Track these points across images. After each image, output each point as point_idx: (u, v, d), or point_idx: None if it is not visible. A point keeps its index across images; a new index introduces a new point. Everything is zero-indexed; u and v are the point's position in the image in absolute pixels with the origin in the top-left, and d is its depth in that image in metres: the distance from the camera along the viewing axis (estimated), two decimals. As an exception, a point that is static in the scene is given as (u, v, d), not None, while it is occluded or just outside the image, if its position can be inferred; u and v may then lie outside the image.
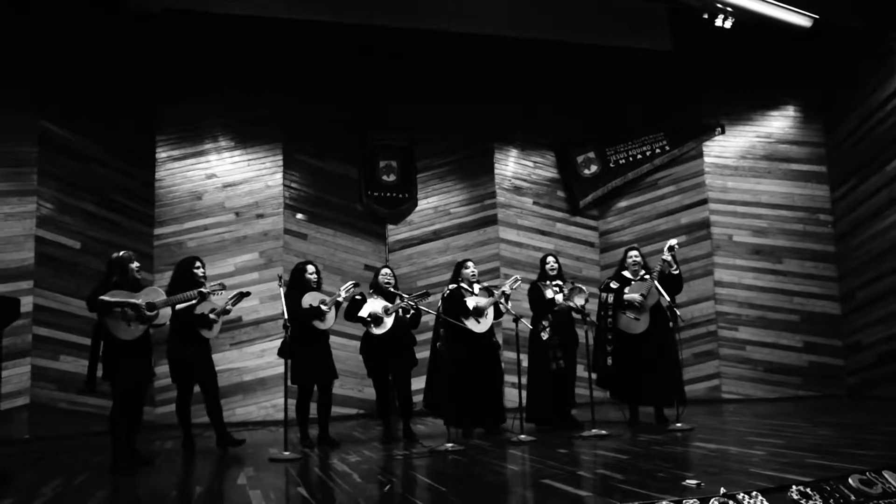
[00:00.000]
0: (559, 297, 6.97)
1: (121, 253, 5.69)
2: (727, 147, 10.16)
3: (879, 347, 8.98)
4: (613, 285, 7.11)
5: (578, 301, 6.96)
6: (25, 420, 7.77)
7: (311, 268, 6.71)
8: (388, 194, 10.61)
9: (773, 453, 4.62)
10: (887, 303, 8.88)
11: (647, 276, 6.88)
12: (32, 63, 8.38)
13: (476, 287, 6.94)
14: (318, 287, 6.66)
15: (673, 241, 6.93)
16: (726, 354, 9.62)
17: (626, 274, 7.11)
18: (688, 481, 3.60)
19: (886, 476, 3.72)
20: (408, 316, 6.67)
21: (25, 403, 7.79)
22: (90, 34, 8.98)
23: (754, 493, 3.34)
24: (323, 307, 6.41)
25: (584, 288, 7.06)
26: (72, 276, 8.34)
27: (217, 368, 6.41)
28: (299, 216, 9.92)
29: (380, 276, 6.83)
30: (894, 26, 8.84)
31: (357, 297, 6.67)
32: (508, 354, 6.99)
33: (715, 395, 9.49)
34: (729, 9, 8.65)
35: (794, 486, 3.46)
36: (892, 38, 8.86)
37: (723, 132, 10.16)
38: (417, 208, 10.70)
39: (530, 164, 10.84)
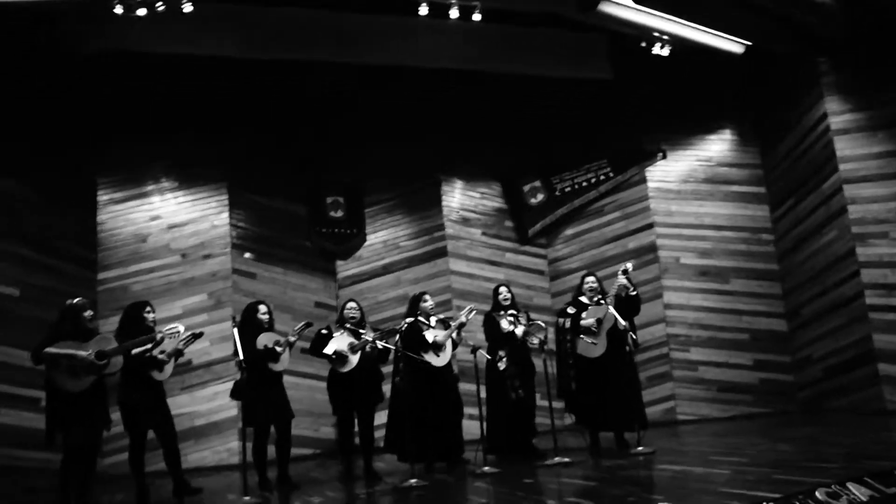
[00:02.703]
0: (518, 331, 6.96)
1: (74, 300, 5.52)
2: (669, 171, 10.35)
3: (827, 361, 9.15)
4: (570, 311, 7.12)
5: (536, 339, 6.97)
6: (-38, 479, 7.41)
7: (262, 307, 6.58)
8: (337, 230, 10.52)
9: (738, 472, 4.65)
10: (832, 317, 9.06)
11: (602, 301, 6.92)
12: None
13: (433, 320, 6.86)
14: (270, 327, 6.54)
15: (627, 265, 7.01)
16: (679, 376, 9.71)
17: (583, 299, 7.12)
18: (660, 504, 3.60)
19: (850, 488, 3.78)
20: (376, 351, 6.57)
21: (-38, 461, 7.43)
22: (25, 77, 8.72)
23: (727, 512, 3.36)
24: (277, 349, 6.28)
25: (543, 325, 7.05)
26: (11, 326, 7.98)
27: (169, 413, 6.19)
28: (247, 255, 9.76)
29: (345, 311, 6.75)
30: (821, 51, 9.16)
31: (323, 331, 6.57)
32: (467, 386, 6.91)
33: (670, 417, 9.55)
34: (665, 37, 8.87)
35: (764, 503, 3.49)
36: (820, 63, 9.19)
37: (664, 157, 10.36)
38: (367, 243, 10.63)
39: (477, 195, 10.88)
